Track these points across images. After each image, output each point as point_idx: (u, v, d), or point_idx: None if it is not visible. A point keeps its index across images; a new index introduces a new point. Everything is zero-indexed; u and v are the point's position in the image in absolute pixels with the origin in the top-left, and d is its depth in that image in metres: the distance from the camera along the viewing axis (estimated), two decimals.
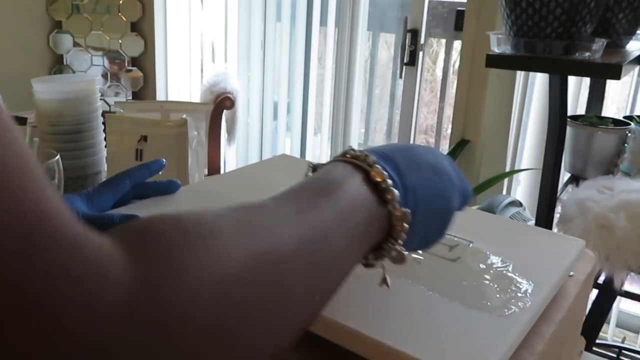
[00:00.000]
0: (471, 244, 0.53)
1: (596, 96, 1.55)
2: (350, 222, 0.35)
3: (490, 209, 1.39)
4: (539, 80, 1.87)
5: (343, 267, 0.36)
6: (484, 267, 0.50)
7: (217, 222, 0.29)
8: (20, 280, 0.19)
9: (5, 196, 0.20)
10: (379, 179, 0.37)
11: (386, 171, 0.38)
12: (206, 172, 2.32)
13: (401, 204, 0.38)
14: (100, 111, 0.97)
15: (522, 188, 1.99)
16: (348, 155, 0.39)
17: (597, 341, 1.61)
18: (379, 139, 2.70)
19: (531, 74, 1.84)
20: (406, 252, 0.39)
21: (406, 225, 0.38)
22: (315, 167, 0.42)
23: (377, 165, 0.38)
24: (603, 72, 1.09)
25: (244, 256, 0.28)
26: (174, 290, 0.24)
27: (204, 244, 0.27)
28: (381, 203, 0.37)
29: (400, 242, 0.38)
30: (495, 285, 0.47)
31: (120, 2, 2.40)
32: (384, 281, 0.41)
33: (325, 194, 0.35)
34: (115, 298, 0.22)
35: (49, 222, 0.21)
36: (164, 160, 0.66)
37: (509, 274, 0.49)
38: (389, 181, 0.38)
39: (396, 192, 0.37)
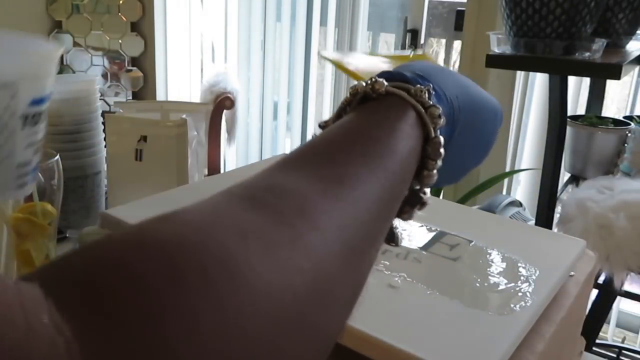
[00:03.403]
0: (471, 243, 0.53)
1: (596, 96, 1.55)
2: (397, 189, 0.30)
3: (490, 209, 1.39)
4: (539, 80, 1.87)
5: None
6: (484, 266, 0.50)
7: (234, 246, 0.20)
8: None
9: None
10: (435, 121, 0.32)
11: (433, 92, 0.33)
12: (206, 172, 2.32)
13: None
14: (100, 111, 0.97)
15: (522, 188, 1.99)
16: (392, 87, 0.32)
17: (597, 341, 1.61)
18: None
19: (531, 74, 1.84)
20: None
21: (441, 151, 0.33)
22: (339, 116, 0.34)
23: (432, 103, 0.32)
24: (603, 72, 1.09)
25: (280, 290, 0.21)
26: None
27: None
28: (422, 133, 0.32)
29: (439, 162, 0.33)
30: (496, 285, 0.47)
31: (120, 2, 2.40)
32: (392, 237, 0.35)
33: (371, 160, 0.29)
34: None
35: None
36: None
37: (510, 273, 0.49)
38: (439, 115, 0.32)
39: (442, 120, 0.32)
